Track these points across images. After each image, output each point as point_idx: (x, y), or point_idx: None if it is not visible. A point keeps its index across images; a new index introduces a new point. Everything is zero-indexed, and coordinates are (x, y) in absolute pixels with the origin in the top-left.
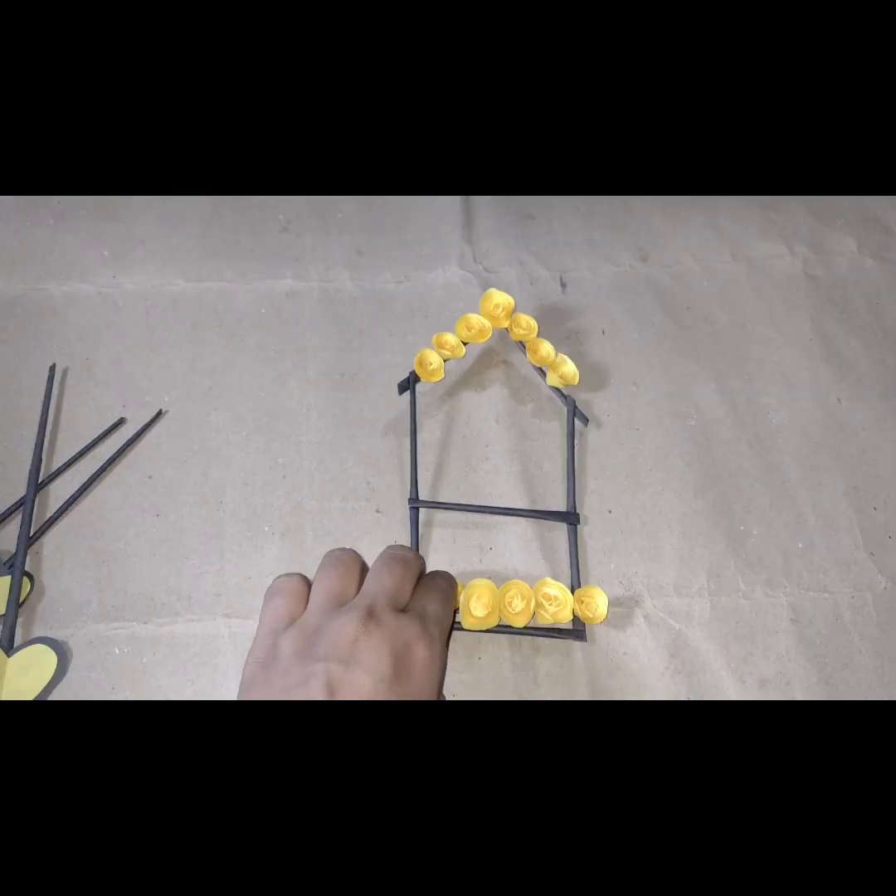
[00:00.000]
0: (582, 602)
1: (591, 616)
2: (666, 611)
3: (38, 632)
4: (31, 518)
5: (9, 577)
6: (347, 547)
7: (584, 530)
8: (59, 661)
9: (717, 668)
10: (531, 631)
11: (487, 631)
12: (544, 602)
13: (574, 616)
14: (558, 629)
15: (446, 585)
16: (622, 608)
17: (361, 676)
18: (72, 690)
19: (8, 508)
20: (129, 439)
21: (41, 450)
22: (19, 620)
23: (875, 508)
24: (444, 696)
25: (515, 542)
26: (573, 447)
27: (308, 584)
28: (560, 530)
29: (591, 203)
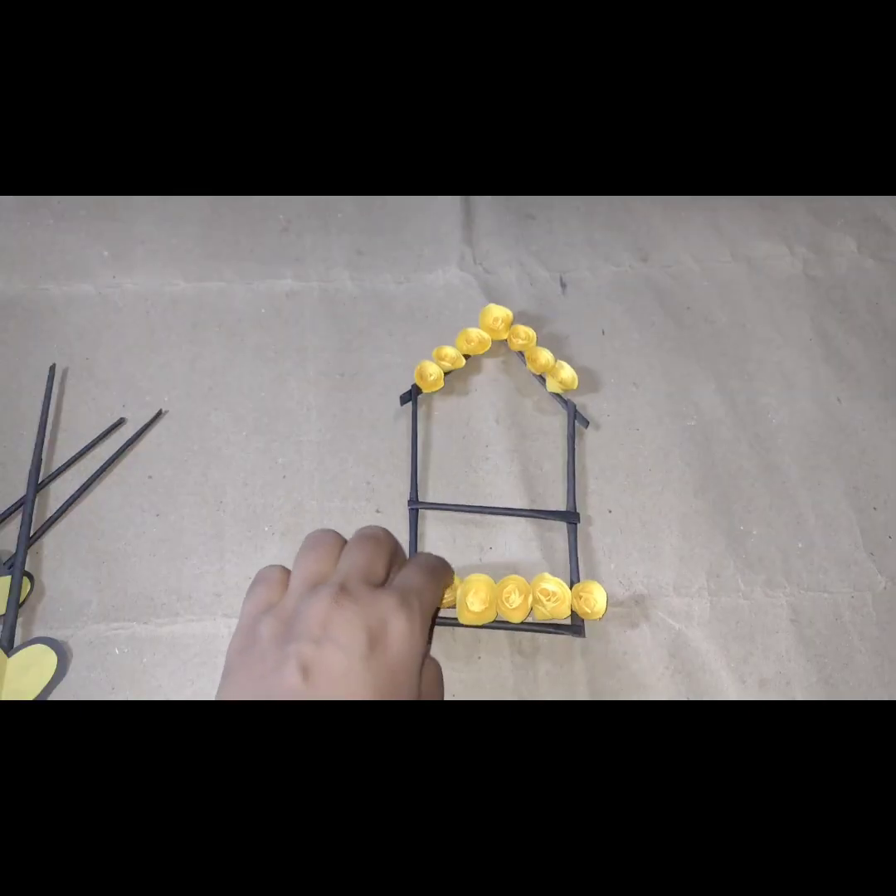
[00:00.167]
0: (580, 597)
1: (590, 611)
2: (666, 611)
3: (38, 632)
4: (31, 518)
5: (9, 577)
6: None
7: (584, 530)
8: (59, 661)
9: (717, 668)
10: (529, 626)
11: (484, 626)
12: (542, 597)
13: (572, 612)
14: (556, 625)
15: (432, 560)
16: (622, 608)
17: (334, 654)
18: (72, 690)
19: (8, 508)
20: (129, 439)
21: (41, 450)
22: (19, 620)
23: (875, 508)
24: (433, 670)
25: (515, 541)
26: (573, 450)
27: (288, 572)
28: (560, 530)
29: (591, 203)
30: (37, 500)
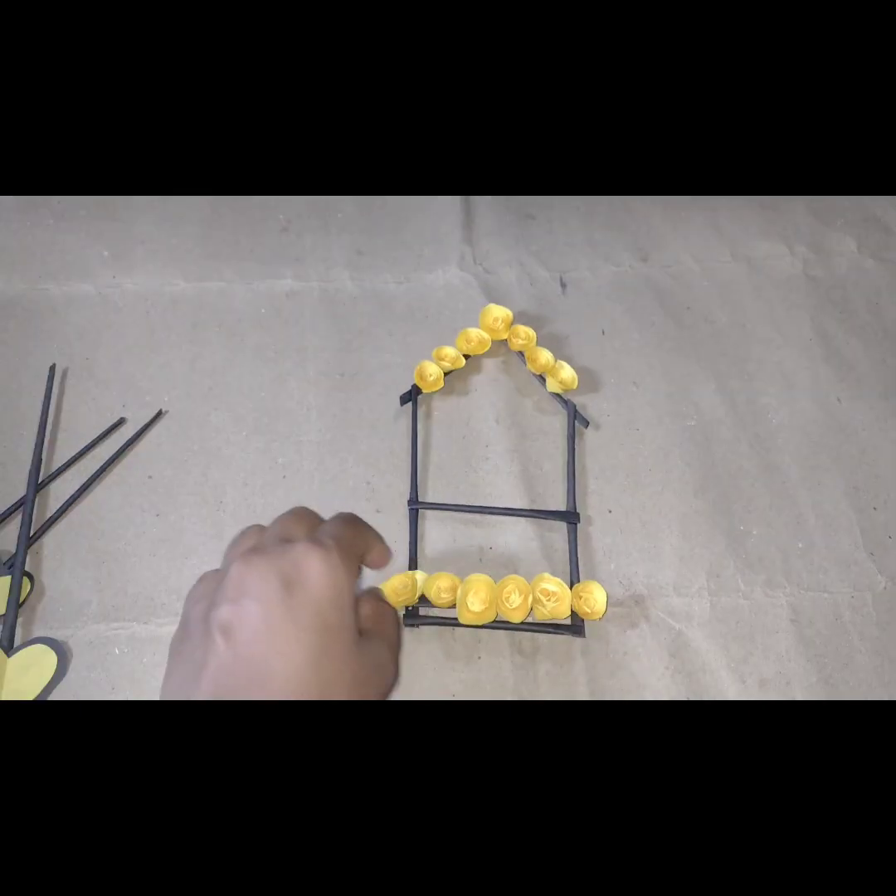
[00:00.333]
0: (580, 597)
1: (590, 611)
2: (666, 611)
3: (38, 632)
4: (31, 518)
5: (9, 577)
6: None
7: (584, 530)
8: (59, 661)
9: (717, 668)
10: (529, 626)
11: (484, 626)
12: (542, 597)
13: (572, 612)
14: (556, 625)
15: (348, 515)
16: (622, 608)
17: (250, 606)
18: (72, 690)
19: (8, 508)
20: (129, 439)
21: (41, 450)
22: (19, 620)
23: (875, 508)
24: (374, 606)
25: (515, 541)
26: (573, 450)
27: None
28: (560, 530)
29: (591, 203)
30: (37, 500)
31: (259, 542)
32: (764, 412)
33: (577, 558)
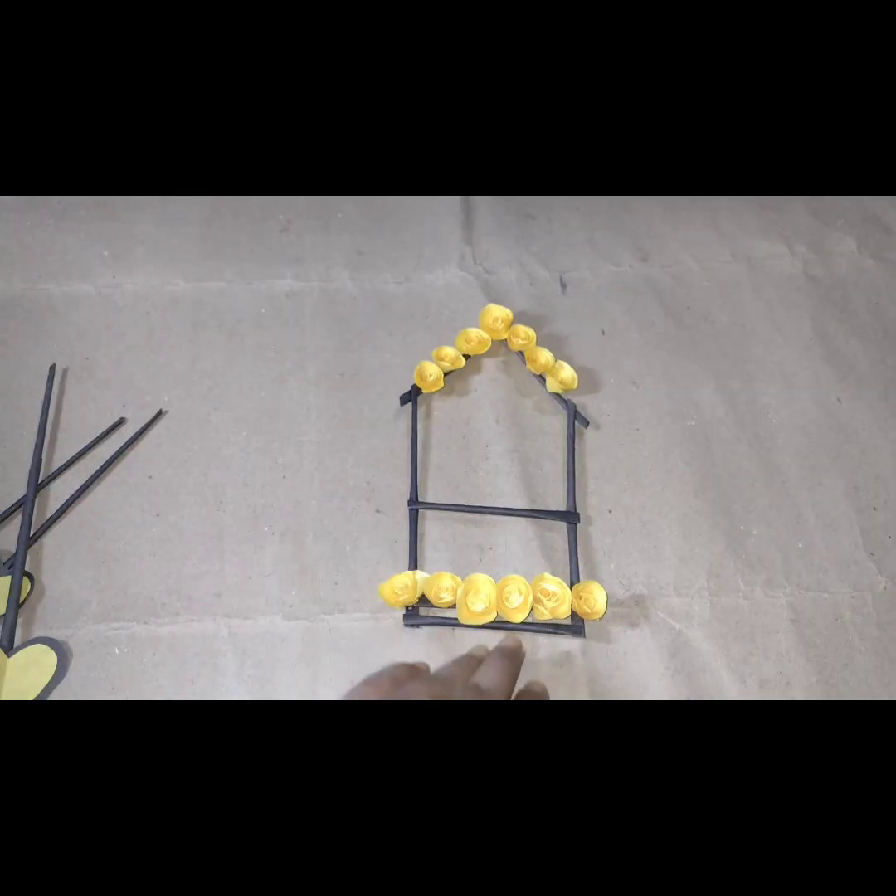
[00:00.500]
0: (580, 597)
1: (590, 611)
2: (666, 611)
3: (38, 632)
4: (31, 518)
5: (9, 577)
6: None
7: (585, 530)
8: (59, 661)
9: (717, 668)
10: (529, 626)
11: (485, 626)
12: (542, 597)
13: (572, 612)
14: (556, 625)
15: (507, 657)
16: (622, 608)
17: None
18: (72, 690)
19: (8, 508)
20: (129, 439)
21: (41, 450)
22: (19, 620)
23: (875, 508)
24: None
25: (515, 541)
26: (573, 450)
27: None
28: (560, 530)
29: (591, 203)
30: (37, 500)
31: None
32: (764, 412)
33: (577, 558)
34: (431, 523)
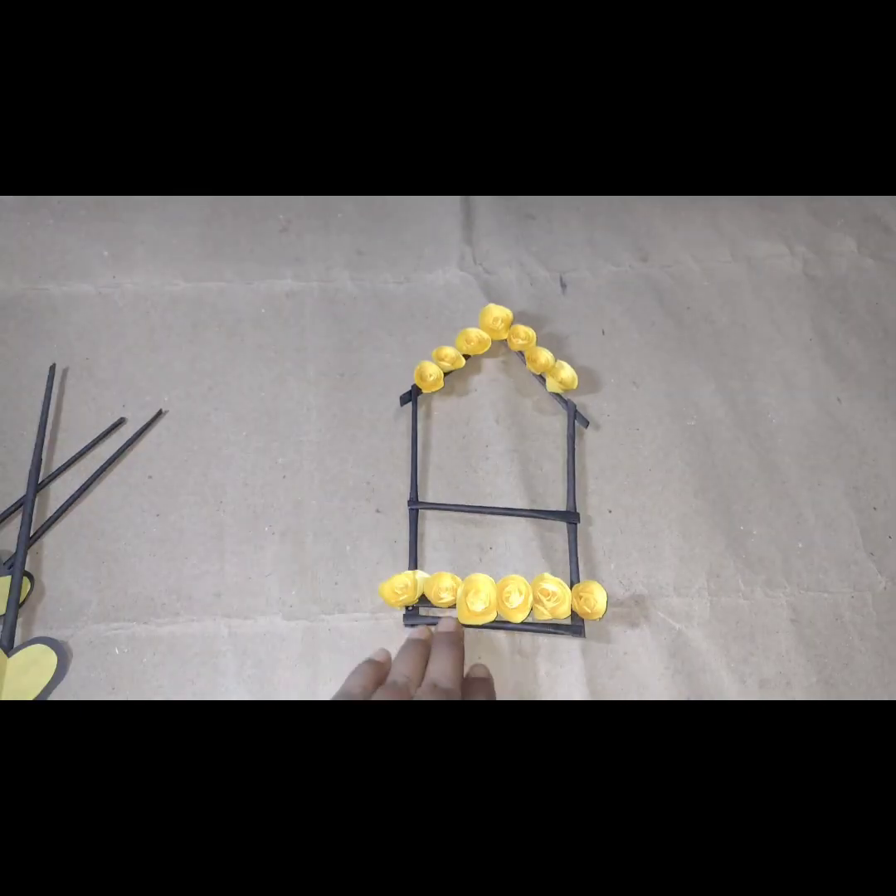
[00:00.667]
0: (580, 597)
1: (590, 611)
2: (666, 611)
3: (38, 632)
4: (31, 518)
5: (9, 577)
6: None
7: (584, 530)
8: (59, 661)
9: (717, 668)
10: (529, 626)
11: (484, 626)
12: (542, 597)
13: (572, 612)
14: (556, 625)
15: (451, 643)
16: (622, 608)
17: None
18: (72, 690)
19: (8, 508)
20: (129, 439)
21: (41, 450)
22: (19, 620)
23: (875, 508)
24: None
25: (515, 541)
26: (573, 450)
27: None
28: (560, 530)
29: (591, 203)
30: (37, 500)
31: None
32: (764, 412)
33: (577, 558)
34: (431, 523)
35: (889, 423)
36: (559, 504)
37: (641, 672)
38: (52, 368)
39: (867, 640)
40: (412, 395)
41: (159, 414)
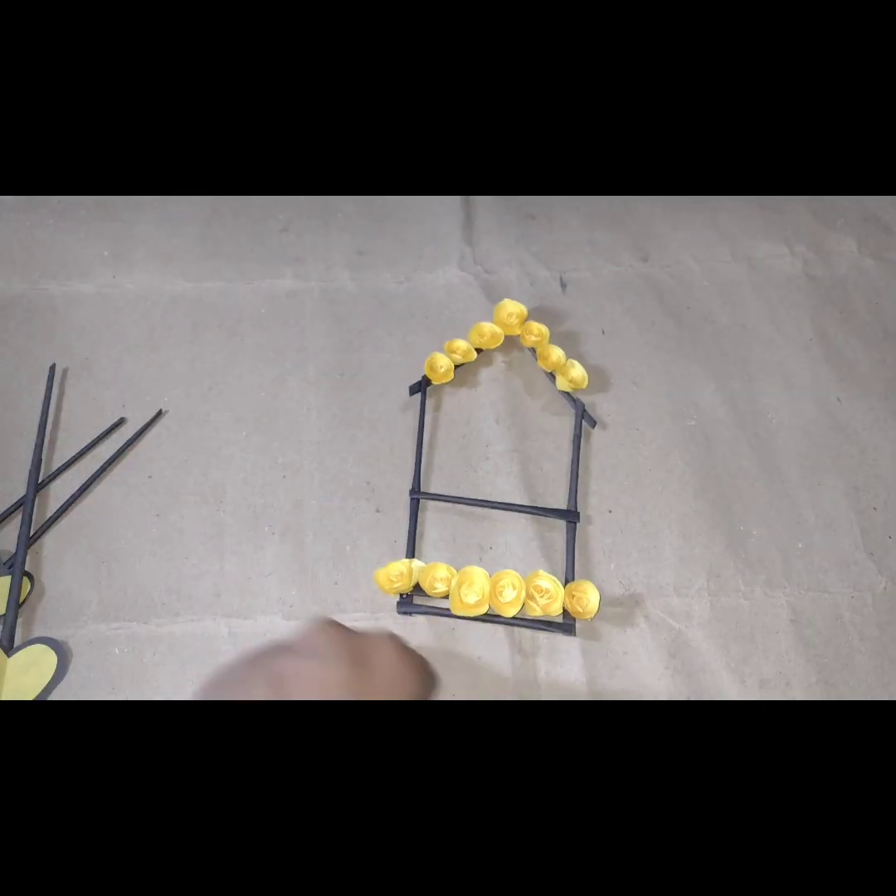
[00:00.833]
0: (573, 596)
1: (582, 611)
2: (666, 611)
3: (38, 632)
4: (31, 518)
5: (9, 577)
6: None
7: (585, 530)
8: (59, 661)
9: (717, 668)
10: (521, 622)
11: (476, 618)
12: (535, 594)
13: (564, 610)
14: (548, 622)
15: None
16: (622, 608)
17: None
18: (72, 690)
19: (8, 508)
20: (129, 439)
21: (41, 450)
22: (19, 620)
23: (875, 508)
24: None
25: (515, 541)
26: (579, 449)
27: None
28: (559, 530)
29: (591, 203)
30: (37, 500)
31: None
32: (764, 412)
33: (573, 557)
34: (432, 523)
35: (889, 423)
36: (559, 504)
37: (641, 672)
38: (52, 368)
39: (867, 640)
40: (422, 386)
41: (159, 414)
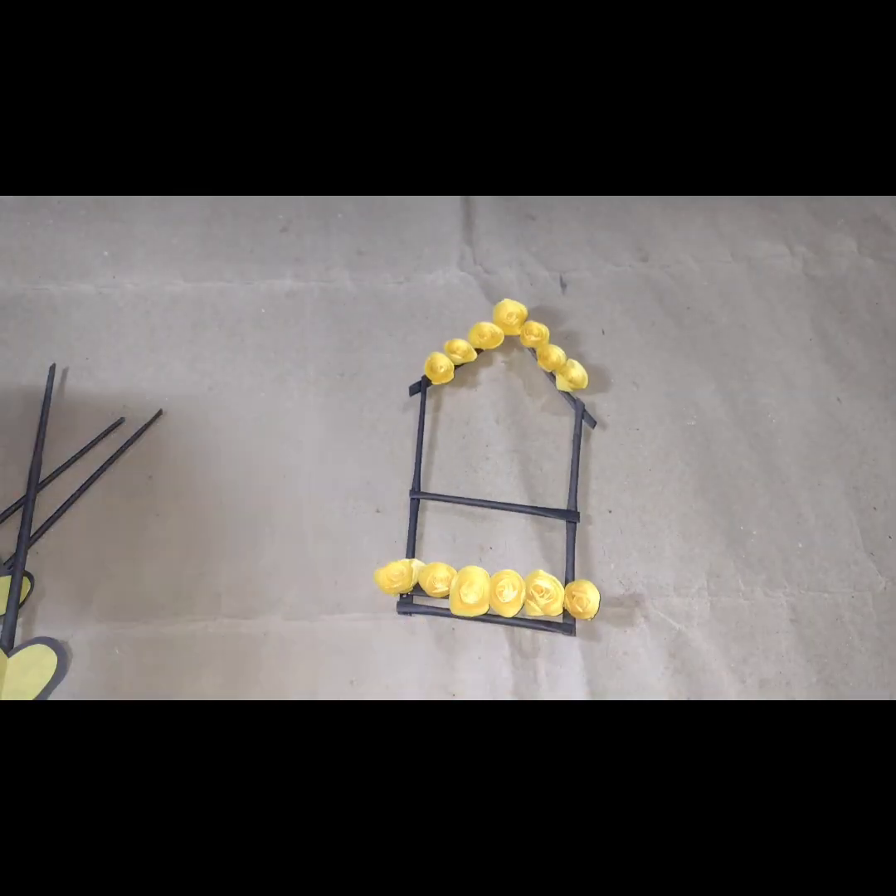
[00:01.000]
0: (573, 596)
1: (582, 611)
2: (666, 611)
3: (38, 632)
4: (31, 518)
5: (9, 577)
6: None
7: (585, 530)
8: (59, 661)
9: (717, 668)
10: (520, 622)
11: (475, 618)
12: (535, 594)
13: (564, 610)
14: (547, 622)
15: None
16: (622, 608)
17: None
18: (72, 690)
19: (8, 508)
20: (129, 439)
21: (41, 450)
22: (19, 620)
23: (875, 508)
24: None
25: (515, 541)
26: (579, 449)
27: None
28: (559, 530)
29: (591, 203)
30: (37, 500)
31: None
32: (764, 412)
33: (573, 557)
34: (432, 523)
35: (889, 423)
36: (559, 504)
37: (641, 672)
38: (52, 368)
39: (867, 640)
40: (422, 386)
41: (159, 414)
